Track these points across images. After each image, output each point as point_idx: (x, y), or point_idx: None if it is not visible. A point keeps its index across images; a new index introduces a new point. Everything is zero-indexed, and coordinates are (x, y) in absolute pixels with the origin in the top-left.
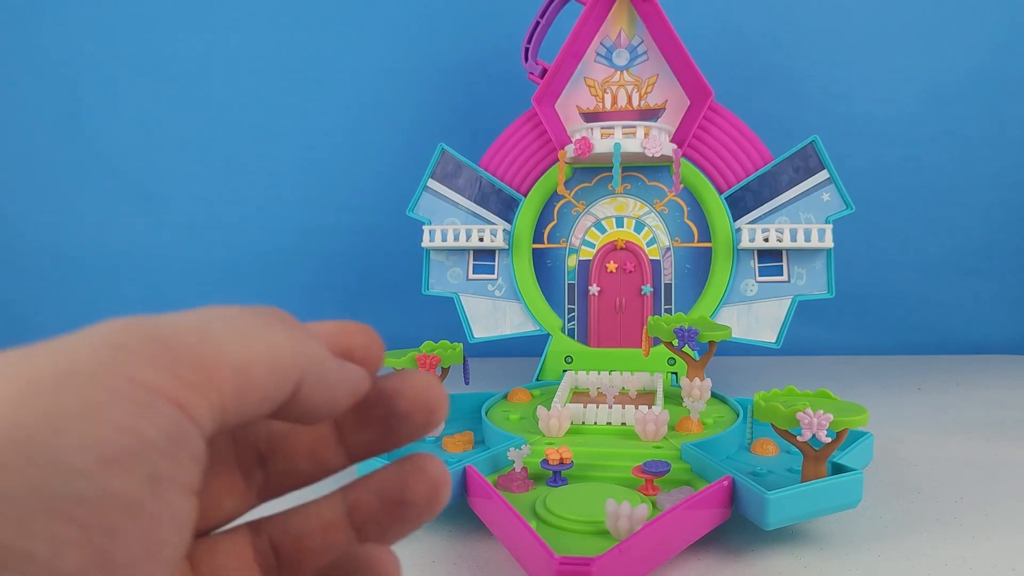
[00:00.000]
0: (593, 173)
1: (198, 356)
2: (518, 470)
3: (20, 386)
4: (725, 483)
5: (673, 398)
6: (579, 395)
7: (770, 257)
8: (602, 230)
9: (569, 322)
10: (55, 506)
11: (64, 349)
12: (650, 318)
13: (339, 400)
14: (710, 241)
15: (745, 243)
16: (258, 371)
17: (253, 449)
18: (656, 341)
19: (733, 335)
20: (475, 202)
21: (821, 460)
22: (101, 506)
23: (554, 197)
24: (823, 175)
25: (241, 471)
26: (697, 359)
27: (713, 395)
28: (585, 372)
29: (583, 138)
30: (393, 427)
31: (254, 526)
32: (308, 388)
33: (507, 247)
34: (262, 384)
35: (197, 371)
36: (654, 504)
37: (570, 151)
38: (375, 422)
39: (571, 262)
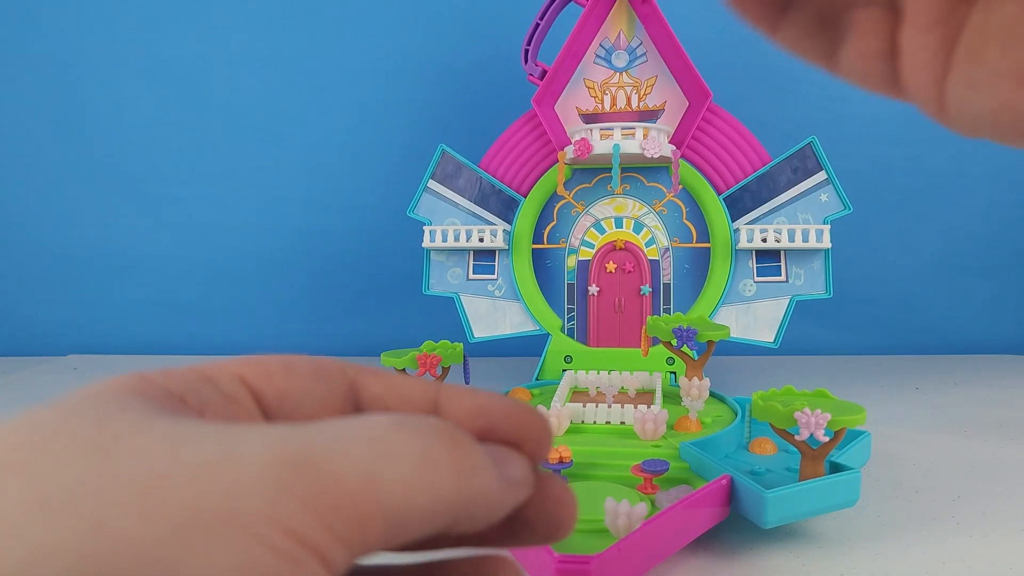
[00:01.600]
0: (592, 174)
1: (357, 509)
2: None
3: (179, 516)
4: (723, 482)
5: (672, 397)
6: (578, 394)
7: (768, 257)
8: (601, 230)
9: (568, 322)
10: None
11: (230, 475)
12: (649, 318)
13: (491, 521)
14: (709, 241)
15: (743, 243)
16: (411, 522)
17: None
18: (655, 341)
19: (731, 335)
20: (475, 203)
21: (819, 459)
22: None
23: (554, 198)
24: (821, 176)
25: None
26: (696, 359)
27: (712, 394)
28: (584, 372)
29: (582, 139)
30: (512, 530)
31: None
32: (461, 524)
33: (507, 247)
34: (411, 532)
35: (352, 526)
36: (653, 503)
37: (569, 152)
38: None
39: (570, 262)
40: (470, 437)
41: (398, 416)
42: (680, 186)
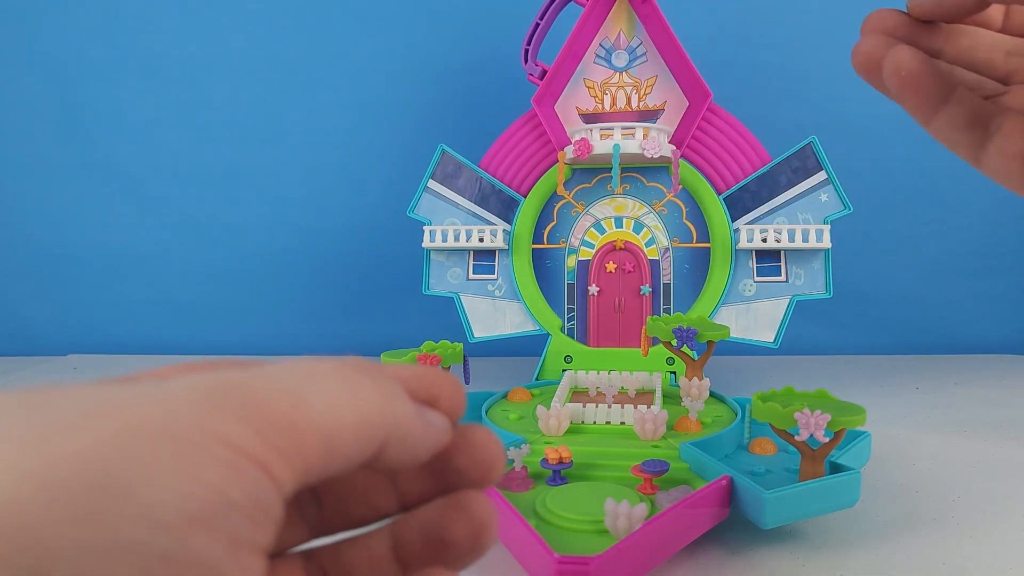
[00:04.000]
0: (592, 174)
1: (288, 421)
2: (518, 469)
3: (117, 430)
4: (723, 482)
5: (672, 397)
6: (578, 394)
7: (768, 257)
8: (601, 230)
9: (568, 322)
10: (140, 562)
11: (163, 397)
12: (649, 318)
13: (420, 456)
14: (708, 241)
15: (743, 243)
16: (345, 437)
17: (309, 488)
18: (655, 341)
19: (732, 335)
20: (475, 203)
21: (819, 459)
22: (183, 566)
23: (554, 198)
24: (821, 176)
25: (297, 506)
26: (696, 359)
27: (711, 395)
28: (584, 372)
29: (582, 139)
30: (448, 480)
31: (308, 554)
32: (392, 447)
33: (507, 247)
34: (347, 449)
35: (286, 436)
36: (653, 503)
37: (569, 152)
38: (431, 473)
39: (570, 262)
40: (385, 373)
41: (318, 357)
42: (680, 186)
